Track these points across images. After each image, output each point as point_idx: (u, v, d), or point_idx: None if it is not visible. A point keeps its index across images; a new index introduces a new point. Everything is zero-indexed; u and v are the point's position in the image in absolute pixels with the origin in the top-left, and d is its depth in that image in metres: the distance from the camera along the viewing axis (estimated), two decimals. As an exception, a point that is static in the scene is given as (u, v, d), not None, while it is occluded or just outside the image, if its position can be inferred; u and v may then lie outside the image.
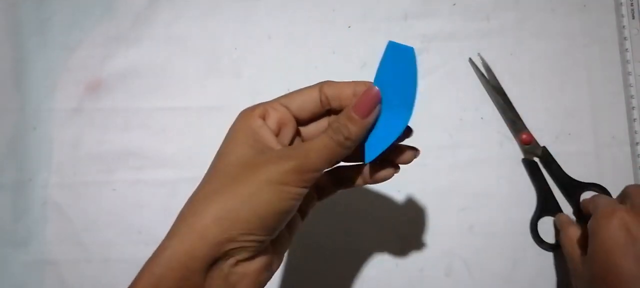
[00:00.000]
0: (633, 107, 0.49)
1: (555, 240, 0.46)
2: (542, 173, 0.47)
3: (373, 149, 0.31)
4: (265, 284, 0.31)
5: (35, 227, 0.48)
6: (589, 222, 0.39)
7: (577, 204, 0.46)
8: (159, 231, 0.46)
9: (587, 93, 0.49)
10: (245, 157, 0.30)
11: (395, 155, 0.32)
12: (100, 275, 0.48)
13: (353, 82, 0.31)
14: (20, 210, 0.49)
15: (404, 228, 0.48)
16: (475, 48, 0.50)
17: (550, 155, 0.47)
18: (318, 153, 0.29)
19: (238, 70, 0.51)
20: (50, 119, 0.50)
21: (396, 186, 0.48)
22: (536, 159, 0.48)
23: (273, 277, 0.32)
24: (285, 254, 0.33)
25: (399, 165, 0.33)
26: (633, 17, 0.50)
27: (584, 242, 0.40)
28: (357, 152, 0.32)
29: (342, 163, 0.34)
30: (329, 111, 0.32)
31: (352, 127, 0.29)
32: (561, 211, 0.46)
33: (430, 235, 0.48)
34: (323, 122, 0.33)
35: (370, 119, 0.29)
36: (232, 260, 0.29)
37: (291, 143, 0.32)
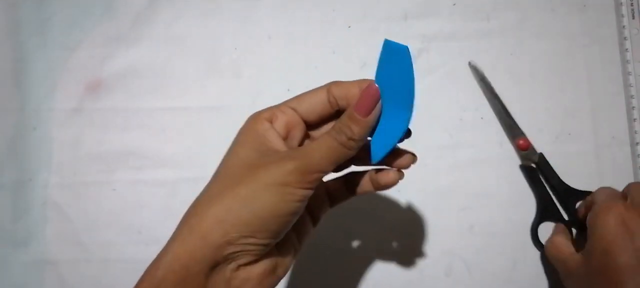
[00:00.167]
0: (633, 107, 0.49)
1: (540, 247, 0.46)
2: (540, 179, 0.47)
3: (380, 149, 0.31)
4: None
5: (35, 227, 0.48)
6: (588, 217, 0.39)
7: (573, 212, 0.46)
8: (159, 231, 0.46)
9: (587, 93, 0.49)
10: (249, 159, 0.30)
11: (393, 160, 0.32)
12: (100, 275, 0.48)
13: (359, 80, 0.31)
14: (20, 210, 0.49)
15: (404, 228, 0.48)
16: (475, 48, 0.50)
17: (547, 163, 0.47)
18: (321, 153, 0.29)
19: (238, 70, 0.51)
20: (50, 119, 0.50)
21: (396, 186, 0.48)
22: (533, 165, 0.47)
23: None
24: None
25: (401, 169, 0.32)
26: (633, 17, 0.50)
27: (579, 239, 0.40)
28: (366, 156, 0.32)
29: (353, 168, 0.34)
30: (338, 112, 0.32)
31: (355, 127, 0.29)
32: (561, 216, 0.46)
33: (430, 235, 0.47)
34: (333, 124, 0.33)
35: (372, 117, 0.29)
36: (233, 265, 0.29)
37: (300, 146, 0.32)
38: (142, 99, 0.51)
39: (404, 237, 0.48)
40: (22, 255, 0.48)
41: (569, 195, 0.46)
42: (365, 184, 0.33)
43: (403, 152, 0.32)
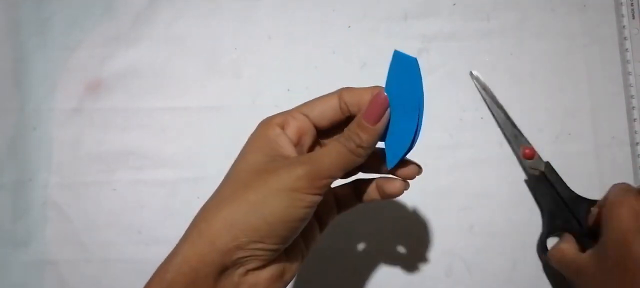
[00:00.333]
0: (633, 107, 0.49)
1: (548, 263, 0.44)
2: (547, 189, 0.45)
3: (393, 155, 0.31)
4: None
5: (35, 227, 0.48)
6: (603, 211, 0.39)
7: (583, 220, 0.43)
8: (159, 231, 0.46)
9: (587, 93, 0.49)
10: (259, 164, 0.30)
11: (400, 169, 0.32)
12: (100, 275, 0.48)
13: (371, 87, 0.31)
14: (20, 210, 0.49)
15: (404, 229, 0.48)
16: (475, 48, 0.50)
17: (554, 171, 0.45)
18: (330, 159, 0.29)
19: (238, 70, 0.51)
20: (50, 119, 0.50)
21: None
22: (539, 174, 0.46)
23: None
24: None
25: (406, 179, 0.32)
26: (633, 17, 0.50)
27: (588, 247, 0.40)
28: (377, 162, 0.32)
29: (361, 176, 0.34)
30: (349, 118, 0.32)
31: (363, 135, 0.29)
32: (570, 227, 0.44)
33: (430, 235, 0.48)
34: None
35: (381, 125, 0.29)
36: (242, 269, 0.29)
37: (309, 152, 0.32)
38: (142, 99, 0.51)
39: (404, 237, 0.48)
40: (22, 255, 0.48)
41: (578, 203, 0.44)
42: (371, 192, 0.33)
43: (409, 163, 0.32)
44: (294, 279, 0.47)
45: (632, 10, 0.50)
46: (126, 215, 0.49)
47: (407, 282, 0.47)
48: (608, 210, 0.38)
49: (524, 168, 0.47)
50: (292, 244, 0.30)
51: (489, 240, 0.47)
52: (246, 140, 0.32)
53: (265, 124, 0.31)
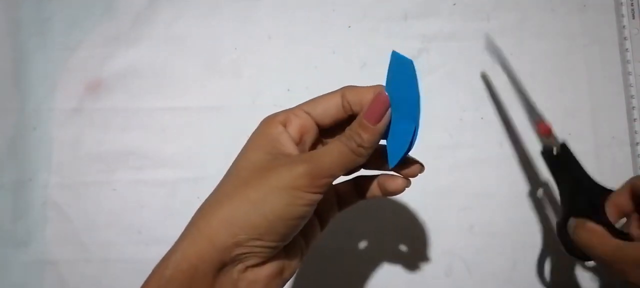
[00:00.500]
0: (633, 107, 0.49)
1: (569, 246, 0.39)
2: (564, 169, 0.40)
3: (394, 155, 0.31)
4: None
5: (35, 227, 0.48)
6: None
7: (599, 211, 0.38)
8: (159, 231, 0.46)
9: (587, 93, 0.49)
10: (260, 162, 0.29)
11: (402, 167, 0.32)
12: (100, 275, 0.48)
13: (373, 86, 0.31)
14: (20, 210, 0.49)
15: (404, 229, 0.48)
16: (475, 48, 0.50)
17: (571, 153, 0.40)
18: (332, 158, 0.29)
19: (238, 70, 0.51)
20: (50, 119, 0.50)
21: (396, 186, 0.48)
22: (554, 154, 0.41)
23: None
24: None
25: (409, 177, 0.32)
26: (633, 17, 0.50)
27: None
28: (379, 160, 0.32)
29: (363, 173, 0.34)
30: (351, 117, 0.32)
31: (365, 134, 0.29)
32: (590, 212, 0.38)
33: (431, 235, 0.48)
34: None
35: (382, 125, 0.29)
36: (241, 266, 0.29)
37: (311, 150, 0.32)
38: (142, 99, 0.51)
39: (404, 237, 0.48)
40: (22, 255, 0.48)
41: (595, 192, 0.39)
42: (373, 189, 0.33)
43: (412, 161, 0.32)
44: (295, 278, 0.47)
45: (632, 10, 0.50)
46: (126, 215, 0.49)
47: (407, 282, 0.47)
48: None
49: (541, 140, 0.42)
50: (292, 241, 0.30)
51: (489, 240, 0.47)
52: (247, 139, 0.32)
53: (267, 121, 0.31)
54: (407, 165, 0.32)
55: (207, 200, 0.30)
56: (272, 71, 0.51)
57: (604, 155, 0.48)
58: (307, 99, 0.33)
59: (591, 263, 0.45)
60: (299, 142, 0.31)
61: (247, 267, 0.29)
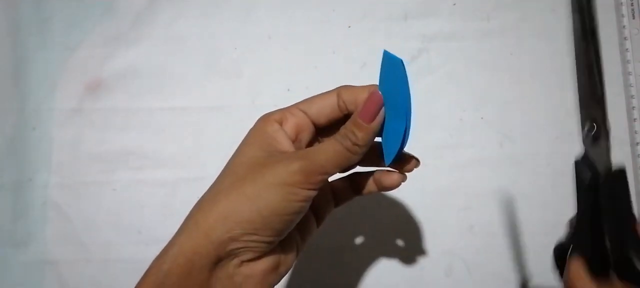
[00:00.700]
0: (633, 107, 0.49)
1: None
2: (615, 196, 0.31)
3: (389, 153, 0.31)
4: (273, 286, 0.31)
5: (35, 227, 0.48)
6: None
7: (620, 247, 0.30)
8: (159, 231, 0.46)
9: (587, 93, 0.49)
10: (256, 158, 0.30)
11: (399, 163, 0.32)
12: (100, 275, 0.48)
13: (367, 86, 0.31)
14: (20, 210, 0.49)
15: (404, 228, 0.48)
16: (475, 48, 0.50)
17: (625, 180, 0.30)
18: (326, 156, 0.29)
19: (238, 70, 0.51)
20: (50, 119, 0.50)
21: (396, 186, 0.48)
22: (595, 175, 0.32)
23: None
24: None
25: (405, 172, 0.33)
26: (633, 17, 0.50)
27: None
28: (375, 157, 0.32)
29: (359, 169, 0.34)
30: (347, 116, 0.32)
31: (359, 133, 0.29)
32: (596, 252, 0.31)
33: (430, 235, 0.47)
34: None
35: (376, 123, 0.29)
36: (236, 261, 0.29)
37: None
38: (142, 99, 0.51)
39: (404, 237, 0.48)
40: (22, 255, 0.48)
41: (622, 222, 0.30)
42: (369, 185, 0.33)
43: (408, 157, 0.32)
44: (294, 278, 0.47)
45: (632, 10, 0.50)
46: (126, 215, 0.49)
47: (407, 282, 0.47)
48: None
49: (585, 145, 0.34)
50: (288, 237, 0.31)
51: (489, 240, 0.47)
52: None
53: (264, 119, 0.32)
54: (403, 162, 0.32)
55: (203, 196, 0.30)
56: (272, 71, 0.51)
57: (604, 155, 0.48)
58: None
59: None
60: (295, 140, 0.32)
61: (243, 262, 0.29)
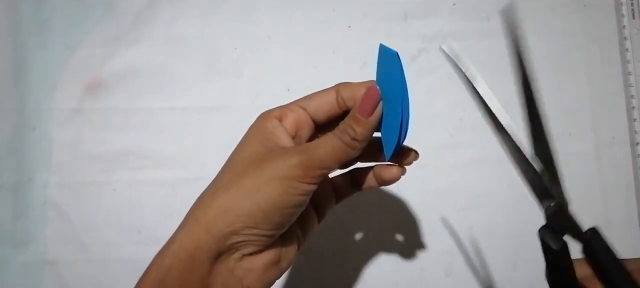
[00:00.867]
0: (633, 107, 0.49)
1: None
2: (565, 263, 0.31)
3: (388, 147, 0.31)
4: (274, 281, 0.31)
5: (35, 227, 0.48)
6: None
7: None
8: (159, 231, 0.46)
9: (587, 93, 0.49)
10: (255, 153, 0.30)
11: (398, 157, 0.32)
12: (100, 275, 0.48)
13: (366, 82, 0.32)
14: (20, 210, 0.49)
15: (404, 228, 0.48)
16: (475, 48, 0.50)
17: (603, 242, 0.29)
18: (326, 150, 0.29)
19: (238, 70, 0.51)
20: (50, 119, 0.50)
21: (396, 186, 0.48)
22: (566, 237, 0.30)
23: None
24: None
25: (404, 166, 0.33)
26: (633, 17, 0.50)
27: None
28: (375, 152, 0.33)
29: (359, 165, 0.34)
30: (345, 113, 0.32)
31: (358, 128, 0.29)
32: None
33: (430, 235, 0.47)
34: None
35: (374, 118, 0.30)
36: (237, 254, 0.29)
37: None
38: (142, 99, 0.51)
39: (405, 237, 0.48)
40: (22, 255, 0.48)
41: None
42: (369, 180, 0.34)
43: (407, 151, 0.33)
44: (294, 278, 0.47)
45: (632, 10, 0.50)
46: (126, 215, 0.49)
47: (407, 282, 0.47)
48: None
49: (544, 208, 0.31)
50: (289, 232, 0.31)
51: (489, 240, 0.47)
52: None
53: (263, 116, 0.32)
54: (403, 155, 0.32)
55: (204, 192, 0.30)
56: (272, 71, 0.51)
57: (604, 155, 0.48)
58: None
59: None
60: (294, 136, 0.32)
61: (244, 255, 0.29)
